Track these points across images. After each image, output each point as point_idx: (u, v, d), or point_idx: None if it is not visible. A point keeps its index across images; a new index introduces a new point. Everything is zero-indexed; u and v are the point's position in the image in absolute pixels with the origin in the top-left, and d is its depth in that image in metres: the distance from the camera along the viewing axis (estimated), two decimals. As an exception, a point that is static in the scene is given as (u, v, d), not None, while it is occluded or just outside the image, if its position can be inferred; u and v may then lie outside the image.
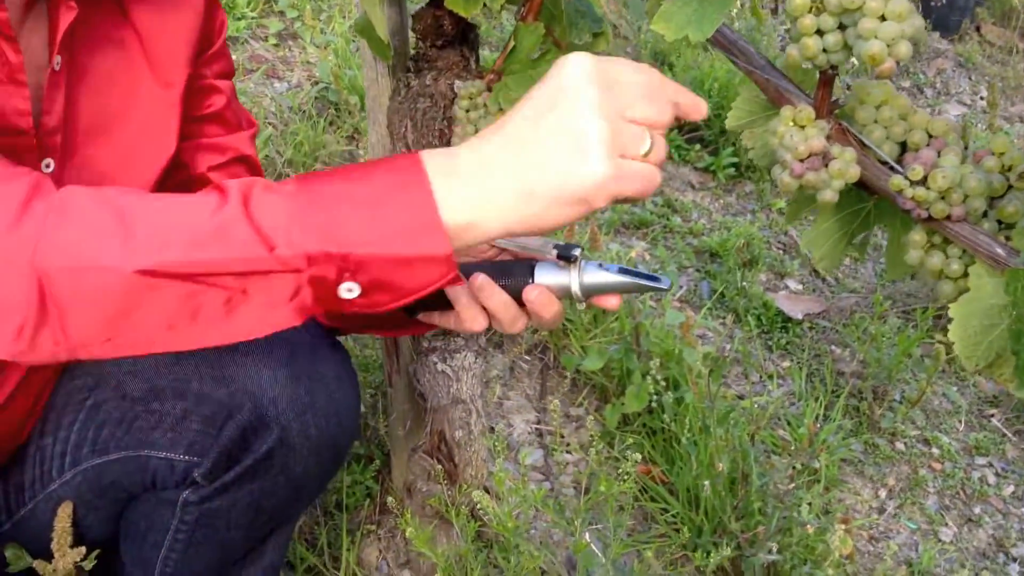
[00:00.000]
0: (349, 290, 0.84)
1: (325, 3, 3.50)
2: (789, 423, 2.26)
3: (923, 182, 0.99)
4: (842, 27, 0.95)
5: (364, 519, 1.93)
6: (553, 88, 0.87)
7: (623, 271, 1.00)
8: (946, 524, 2.19)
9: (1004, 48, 4.28)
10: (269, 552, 1.40)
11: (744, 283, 2.62)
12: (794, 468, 2.06)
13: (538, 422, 2.22)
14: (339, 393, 1.26)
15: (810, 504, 1.88)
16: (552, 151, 0.84)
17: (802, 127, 1.04)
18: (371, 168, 0.87)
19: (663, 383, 2.03)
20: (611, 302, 1.03)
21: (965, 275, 1.02)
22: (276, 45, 3.29)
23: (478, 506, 1.85)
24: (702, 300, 2.62)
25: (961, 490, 2.27)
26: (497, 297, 1.03)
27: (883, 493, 2.21)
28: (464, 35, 1.73)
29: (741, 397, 2.31)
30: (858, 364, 2.46)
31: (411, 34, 1.78)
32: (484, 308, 1.05)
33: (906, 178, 1.00)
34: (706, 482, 1.85)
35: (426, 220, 0.83)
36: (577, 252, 1.00)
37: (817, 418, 2.28)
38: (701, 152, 3.12)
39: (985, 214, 1.01)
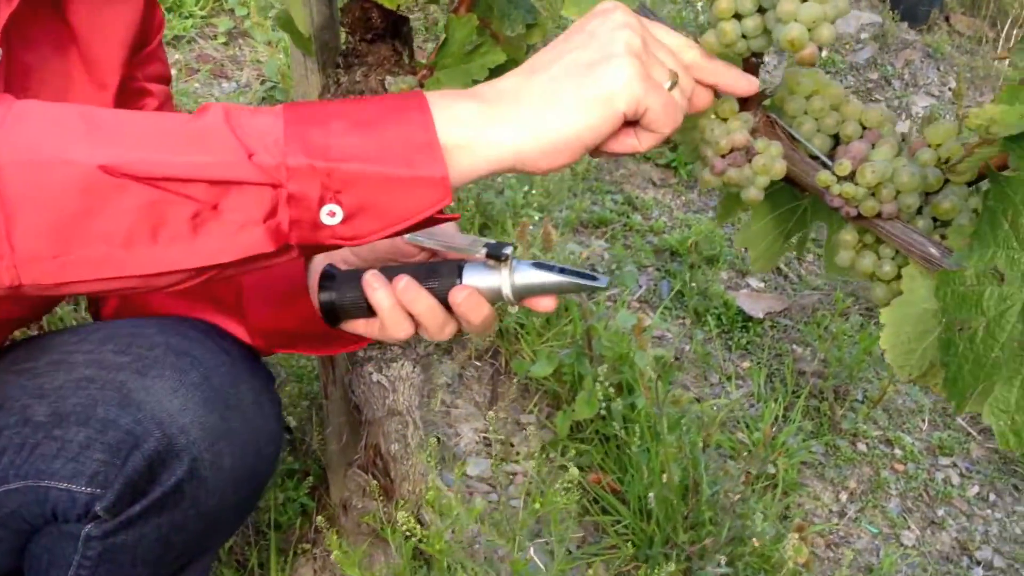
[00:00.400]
0: (331, 214, 0.78)
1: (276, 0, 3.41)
2: (747, 426, 2.19)
3: (851, 177, 0.91)
4: (761, 10, 0.88)
5: (298, 538, 1.85)
6: (576, 30, 0.86)
7: (558, 270, 0.94)
8: (908, 527, 2.12)
9: (973, 38, 4.22)
10: None
11: (703, 282, 2.55)
12: (749, 473, 1.99)
13: (487, 430, 2.14)
14: (258, 420, 1.17)
15: (764, 513, 1.81)
16: (576, 60, 0.82)
17: (724, 120, 0.97)
18: (370, 98, 0.84)
19: (614, 389, 1.96)
20: (545, 304, 0.96)
21: (898, 277, 0.95)
22: (225, 44, 3.20)
23: (413, 524, 1.77)
24: (661, 300, 2.55)
25: (924, 492, 2.20)
26: (423, 301, 0.96)
27: (844, 496, 2.14)
28: (396, 28, 1.65)
29: (699, 400, 2.24)
30: (819, 363, 2.39)
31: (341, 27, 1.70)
32: (409, 314, 0.98)
33: (833, 173, 0.92)
34: (651, 494, 1.78)
35: (423, 139, 0.78)
36: (508, 251, 0.93)
37: (776, 419, 2.21)
38: (662, 148, 3.04)
39: (920, 211, 0.94)
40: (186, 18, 3.16)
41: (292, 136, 0.77)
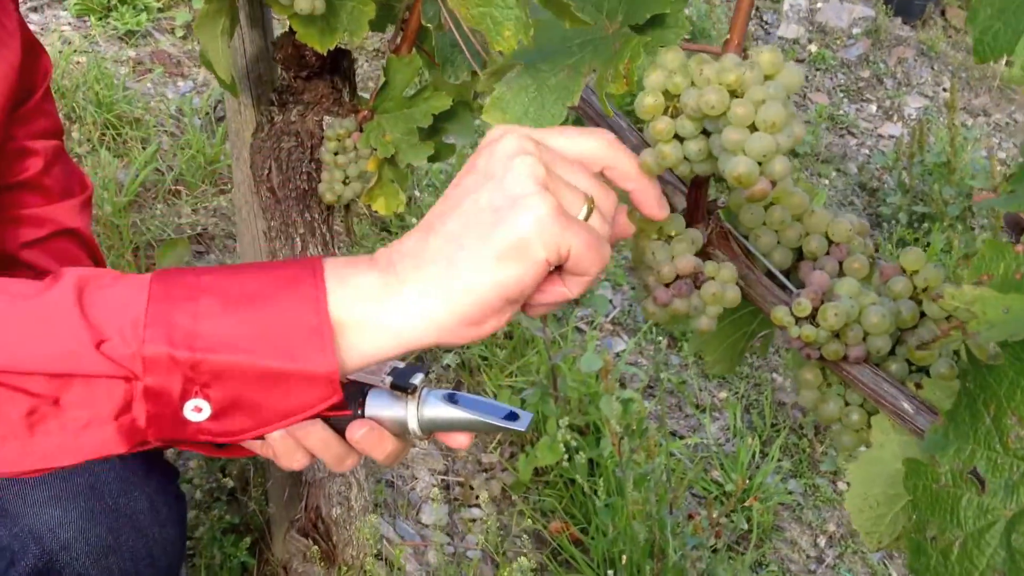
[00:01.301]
0: (197, 409, 0.66)
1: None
2: (722, 465, 2.08)
3: (812, 317, 0.79)
4: (706, 132, 0.75)
5: (244, 599, 1.74)
6: (468, 170, 0.72)
7: (473, 405, 0.81)
8: (890, 575, 2.02)
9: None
10: None
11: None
12: (720, 525, 1.89)
13: (446, 472, 2.03)
14: (153, 528, 1.08)
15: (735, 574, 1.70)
16: (476, 207, 0.69)
17: (668, 239, 0.84)
18: (258, 265, 0.69)
19: (582, 434, 1.85)
20: (459, 440, 0.82)
21: (869, 424, 0.83)
22: (183, 38, 3.05)
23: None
24: (636, 322, 2.43)
25: (907, 536, 2.09)
26: (316, 434, 0.80)
27: (822, 541, 2.04)
28: (335, 63, 1.52)
29: (673, 433, 2.13)
30: (799, 395, 2.27)
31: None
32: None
33: (791, 312, 0.80)
34: (622, 555, 1.67)
35: (311, 322, 0.66)
36: (418, 380, 0.80)
37: (753, 456, 2.10)
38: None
39: (893, 350, 0.82)
40: (140, 11, 3.01)
41: (154, 317, 0.64)
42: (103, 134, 2.42)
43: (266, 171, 1.55)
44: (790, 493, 2.08)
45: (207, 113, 2.63)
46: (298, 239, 1.58)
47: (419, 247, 0.69)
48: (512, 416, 0.81)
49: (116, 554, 1.03)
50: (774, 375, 2.36)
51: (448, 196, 0.71)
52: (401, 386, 0.80)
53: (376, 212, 1.56)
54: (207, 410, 0.66)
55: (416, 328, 0.68)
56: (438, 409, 0.81)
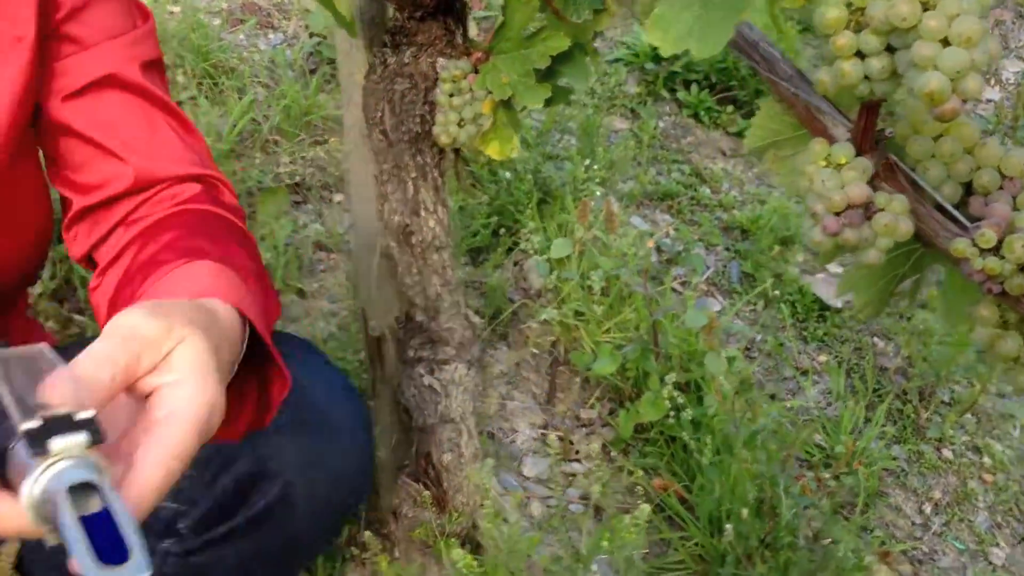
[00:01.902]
0: None
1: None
2: (825, 428, 2.04)
3: (996, 250, 0.76)
4: (891, 49, 0.71)
5: (346, 541, 1.75)
6: None
7: (98, 523, 0.56)
8: (998, 544, 1.96)
9: (1072, -13, 3.92)
10: None
11: (776, 265, 2.38)
12: (828, 487, 1.85)
13: (545, 426, 2.01)
14: (352, 450, 1.15)
15: (846, 535, 1.67)
16: None
17: (838, 167, 0.81)
18: None
19: (682, 391, 1.82)
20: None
21: (1047, 364, 0.79)
22: (275, -9, 3.04)
23: (469, 536, 1.67)
24: (731, 284, 2.39)
25: (1015, 505, 2.03)
26: None
27: (928, 508, 1.99)
28: (449, 4, 1.50)
29: (773, 396, 2.09)
30: (903, 360, 2.22)
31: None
32: None
33: (973, 243, 0.76)
34: (728, 523, 1.64)
35: None
36: (59, 444, 0.57)
37: (856, 423, 2.05)
38: (734, 115, 2.84)
39: (1080, 288, 0.78)
40: (234, -36, 3.01)
41: None
42: (200, 83, 2.43)
43: (379, 113, 1.54)
44: (894, 459, 2.03)
45: (300, 65, 2.63)
46: (410, 183, 1.56)
47: None
48: (116, 558, 0.55)
49: (318, 468, 1.09)
50: (875, 339, 2.31)
51: None
52: (38, 447, 0.57)
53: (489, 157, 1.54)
54: None
55: None
56: (57, 497, 0.56)
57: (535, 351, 2.14)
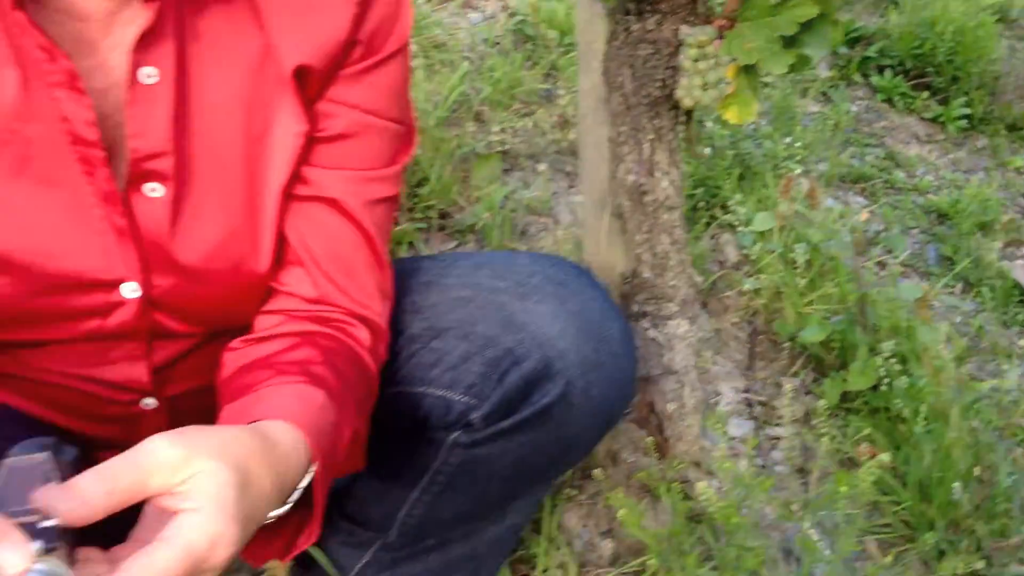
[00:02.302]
0: None
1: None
2: (1028, 410, 2.04)
3: None
4: None
5: (566, 483, 1.83)
6: None
7: None
8: None
9: None
10: (512, 514, 1.37)
11: (974, 249, 2.38)
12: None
13: (746, 391, 2.07)
14: (623, 358, 1.21)
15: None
16: None
17: None
18: None
19: (894, 361, 1.85)
20: None
21: None
22: (473, -28, 3.17)
23: (689, 484, 1.73)
24: (927, 265, 2.40)
25: None
26: None
27: None
28: (693, -26, 1.57)
29: (973, 378, 2.10)
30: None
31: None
32: None
33: None
34: (954, 484, 1.66)
35: None
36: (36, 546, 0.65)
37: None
38: (929, 100, 2.85)
39: None
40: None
41: None
42: (415, 56, 2.56)
43: (620, 78, 1.62)
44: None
45: (503, 41, 2.74)
46: (646, 144, 1.64)
47: None
48: None
49: (597, 371, 1.16)
50: (1082, 328, 2.30)
51: None
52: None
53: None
54: None
55: None
56: None
57: (735, 320, 2.20)
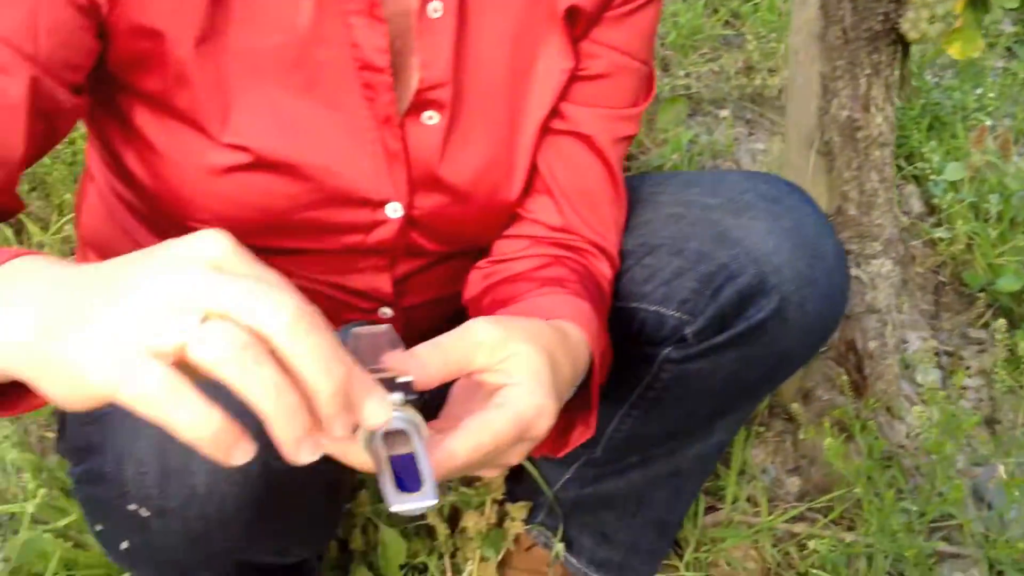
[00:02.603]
0: None
1: None
2: None
3: None
4: None
5: (755, 420, 1.86)
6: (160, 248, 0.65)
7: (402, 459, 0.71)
8: None
9: None
10: (718, 432, 1.39)
11: None
12: None
13: (934, 340, 2.06)
14: (837, 274, 1.20)
15: None
16: (109, 286, 0.63)
17: None
18: None
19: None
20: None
21: None
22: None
23: (884, 423, 1.74)
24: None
25: None
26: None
27: None
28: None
29: None
30: None
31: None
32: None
33: None
34: None
35: None
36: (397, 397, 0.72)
37: None
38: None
39: None
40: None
41: None
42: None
43: (840, 12, 1.62)
44: None
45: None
46: (863, 79, 1.64)
47: (76, 287, 0.64)
48: (412, 489, 0.70)
49: (812, 286, 1.15)
50: None
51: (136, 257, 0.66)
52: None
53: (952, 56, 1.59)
54: None
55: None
56: (376, 439, 0.71)
57: (920, 270, 2.19)
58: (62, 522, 1.48)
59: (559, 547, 1.53)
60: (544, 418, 0.82)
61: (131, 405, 0.58)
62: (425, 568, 1.61)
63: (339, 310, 1.21)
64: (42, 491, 1.47)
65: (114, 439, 0.93)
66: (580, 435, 1.05)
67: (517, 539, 1.58)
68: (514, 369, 0.82)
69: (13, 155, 0.90)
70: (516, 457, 0.85)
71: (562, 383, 0.88)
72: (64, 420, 1.06)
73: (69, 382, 0.61)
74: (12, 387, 0.69)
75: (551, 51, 1.09)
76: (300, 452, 0.61)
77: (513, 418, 0.79)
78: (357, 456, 0.72)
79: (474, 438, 0.78)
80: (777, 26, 2.52)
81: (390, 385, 0.71)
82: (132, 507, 0.94)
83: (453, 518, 1.66)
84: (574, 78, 1.12)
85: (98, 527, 1.04)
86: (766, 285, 1.14)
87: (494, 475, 0.90)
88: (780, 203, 1.18)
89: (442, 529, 1.54)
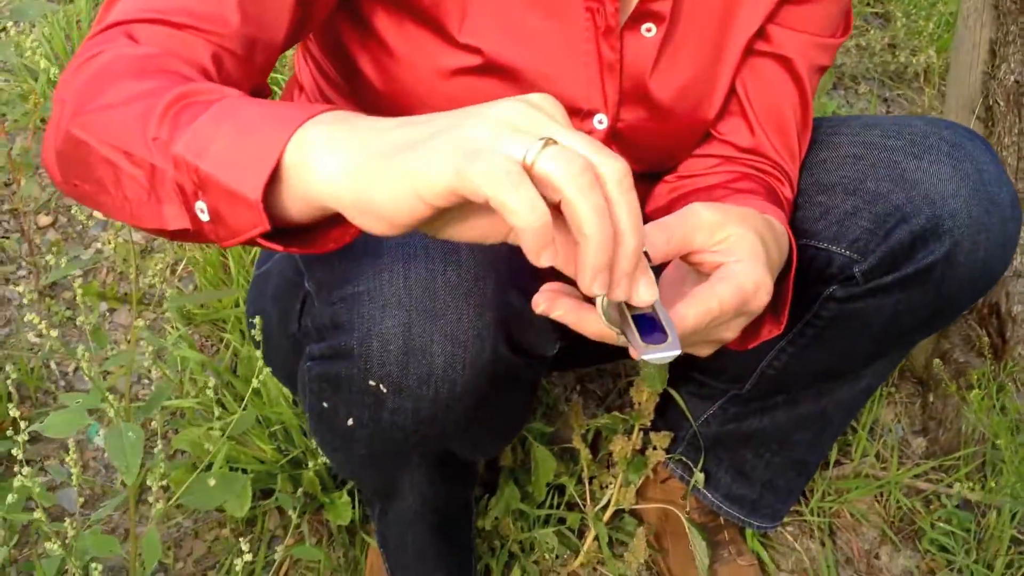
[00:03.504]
0: (201, 211, 0.76)
1: None
2: None
3: None
4: None
5: (886, 381, 1.89)
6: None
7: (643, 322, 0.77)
8: None
9: None
10: (867, 376, 1.39)
11: None
12: None
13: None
14: (1011, 222, 1.18)
15: None
16: (439, 129, 0.69)
17: None
18: (290, 104, 0.77)
19: None
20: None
21: None
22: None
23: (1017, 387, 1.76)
24: None
25: None
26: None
27: None
28: None
29: None
30: None
31: None
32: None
33: None
34: None
35: (263, 156, 0.72)
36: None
37: None
38: None
39: None
40: None
41: (193, 132, 0.76)
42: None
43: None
44: None
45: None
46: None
47: (396, 130, 0.71)
48: (658, 341, 0.76)
49: (986, 233, 1.15)
50: None
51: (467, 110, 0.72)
52: None
53: None
54: (206, 213, 0.76)
55: (323, 191, 0.71)
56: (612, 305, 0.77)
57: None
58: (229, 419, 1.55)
59: (699, 477, 1.56)
60: (762, 291, 0.88)
61: (473, 187, 0.64)
62: (563, 490, 1.66)
63: None
64: (210, 389, 1.54)
65: (362, 318, 0.97)
66: (769, 331, 1.08)
67: (655, 470, 1.63)
68: (734, 248, 0.88)
69: (277, 37, 0.97)
70: (733, 330, 0.90)
71: (772, 265, 0.93)
72: (304, 304, 1.12)
73: (403, 185, 0.66)
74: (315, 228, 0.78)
75: None
76: (598, 282, 0.69)
77: (736, 289, 0.85)
78: (593, 323, 0.78)
79: (703, 304, 0.84)
80: (924, 6, 2.53)
81: None
82: (372, 383, 0.99)
83: (593, 446, 1.72)
84: (783, 1, 1.16)
85: (325, 403, 1.08)
86: (940, 228, 1.14)
87: (706, 353, 0.94)
88: (962, 148, 1.18)
89: (585, 453, 1.58)
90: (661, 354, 0.74)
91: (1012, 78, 1.67)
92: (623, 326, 0.76)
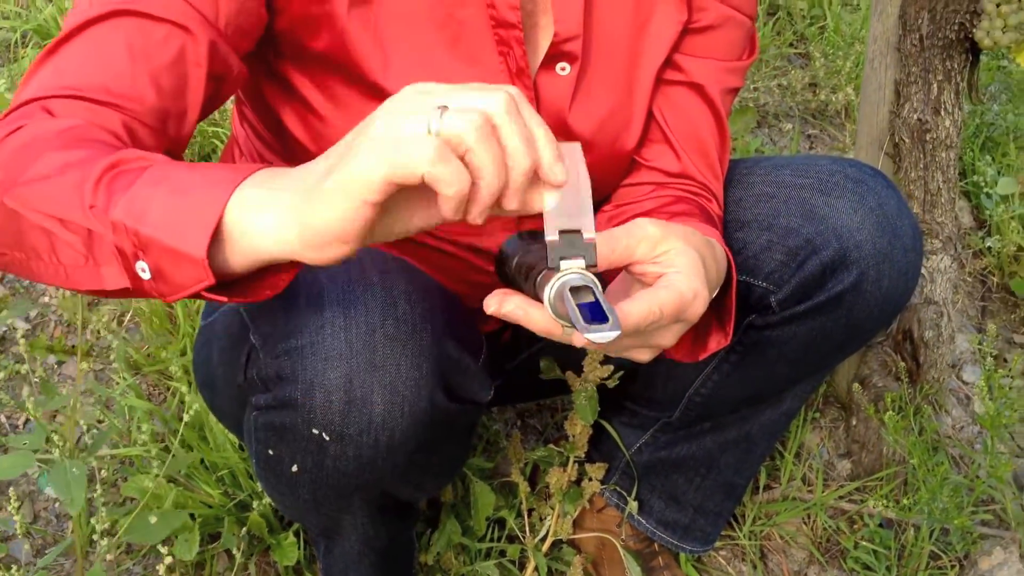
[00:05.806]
0: (143, 270, 0.81)
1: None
2: None
3: None
4: None
5: (809, 406, 1.97)
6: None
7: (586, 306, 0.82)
8: None
9: None
10: (788, 400, 1.47)
11: None
12: None
13: (979, 343, 2.18)
14: (913, 252, 1.28)
15: None
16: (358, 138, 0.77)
17: None
18: (209, 165, 0.85)
19: None
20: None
21: None
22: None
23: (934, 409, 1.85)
24: None
25: None
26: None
27: None
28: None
29: None
30: None
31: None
32: None
33: None
34: None
35: (203, 217, 0.78)
36: (574, 264, 0.83)
37: None
38: None
39: None
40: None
41: (129, 197, 0.80)
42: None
43: (918, 21, 1.74)
44: None
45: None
46: (935, 84, 1.76)
47: (313, 167, 0.79)
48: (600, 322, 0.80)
49: (889, 262, 1.24)
50: None
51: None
52: (554, 263, 0.83)
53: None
54: (147, 272, 0.81)
55: (269, 244, 0.78)
56: (564, 293, 0.82)
57: (967, 278, 2.31)
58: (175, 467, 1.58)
59: (633, 505, 1.63)
60: (700, 301, 0.93)
61: (407, 170, 0.72)
62: (504, 523, 1.72)
63: (468, 272, 1.31)
64: (144, 434, 1.57)
65: (306, 371, 1.02)
66: (718, 343, 1.11)
67: (591, 500, 1.67)
68: (674, 261, 0.94)
69: (192, 112, 1.02)
70: (672, 337, 0.95)
71: (710, 280, 1.00)
72: (249, 356, 1.15)
73: (343, 197, 0.74)
74: (253, 278, 0.84)
75: (667, 4, 1.20)
76: (481, 215, 0.78)
77: (676, 296, 0.91)
78: (540, 319, 0.84)
79: (645, 305, 0.89)
80: (842, 46, 2.65)
81: (576, 245, 0.83)
82: (315, 431, 1.03)
83: (532, 479, 1.77)
84: (686, 31, 1.23)
85: (270, 451, 1.12)
86: (848, 259, 1.23)
87: (646, 359, 0.98)
88: (864, 184, 1.26)
89: (523, 486, 1.63)
90: (603, 334, 0.78)
91: (915, 116, 1.77)
92: (567, 311, 0.81)
